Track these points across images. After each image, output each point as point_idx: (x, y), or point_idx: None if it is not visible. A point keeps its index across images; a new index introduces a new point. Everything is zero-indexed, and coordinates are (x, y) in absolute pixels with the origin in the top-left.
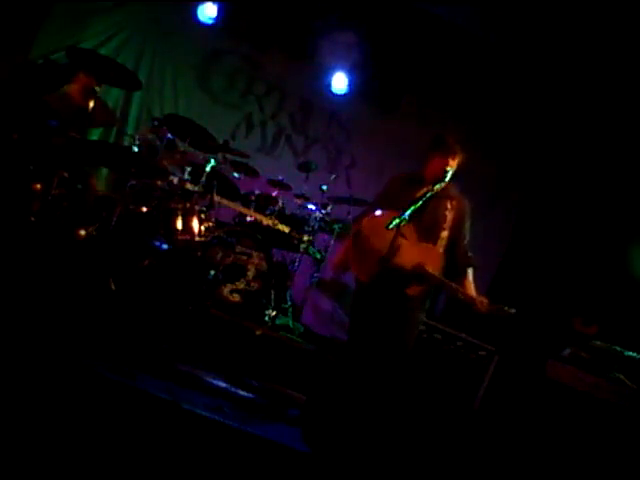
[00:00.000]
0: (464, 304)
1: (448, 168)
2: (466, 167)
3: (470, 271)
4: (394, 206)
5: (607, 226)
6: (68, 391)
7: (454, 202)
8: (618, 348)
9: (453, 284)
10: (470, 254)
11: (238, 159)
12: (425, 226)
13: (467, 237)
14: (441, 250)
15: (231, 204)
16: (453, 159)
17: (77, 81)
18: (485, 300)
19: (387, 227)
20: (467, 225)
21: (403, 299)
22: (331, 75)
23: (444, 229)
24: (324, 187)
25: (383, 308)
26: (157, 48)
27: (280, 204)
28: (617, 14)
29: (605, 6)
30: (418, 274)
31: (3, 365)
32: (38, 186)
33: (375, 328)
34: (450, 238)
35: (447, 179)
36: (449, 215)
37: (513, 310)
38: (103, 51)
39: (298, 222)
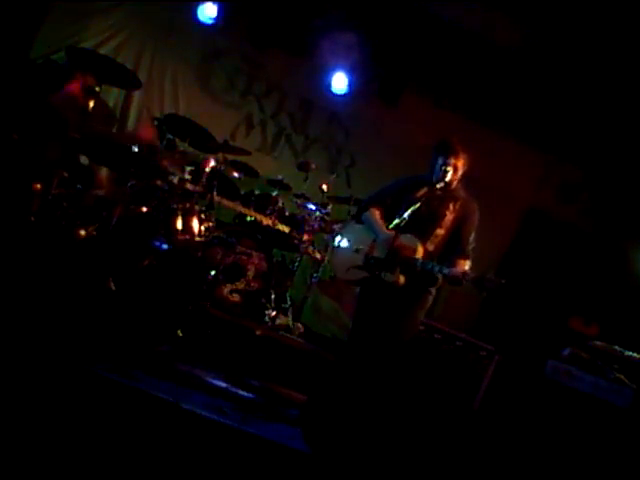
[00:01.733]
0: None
1: (448, 169)
2: (468, 166)
3: (462, 261)
4: (394, 206)
5: (607, 227)
6: (68, 391)
7: (457, 204)
8: (618, 348)
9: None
10: (469, 253)
11: (238, 160)
12: (420, 222)
13: (470, 240)
14: (431, 247)
15: (231, 204)
16: (456, 159)
17: (77, 81)
18: (466, 271)
19: (387, 227)
20: (470, 228)
21: (403, 297)
22: (331, 75)
23: (440, 227)
24: (324, 187)
25: (384, 306)
26: (157, 48)
27: (280, 204)
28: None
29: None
30: (395, 259)
31: (3, 365)
32: (38, 186)
33: (376, 326)
34: (446, 238)
35: (447, 179)
36: (449, 216)
37: (501, 280)
38: (103, 51)
39: (298, 222)
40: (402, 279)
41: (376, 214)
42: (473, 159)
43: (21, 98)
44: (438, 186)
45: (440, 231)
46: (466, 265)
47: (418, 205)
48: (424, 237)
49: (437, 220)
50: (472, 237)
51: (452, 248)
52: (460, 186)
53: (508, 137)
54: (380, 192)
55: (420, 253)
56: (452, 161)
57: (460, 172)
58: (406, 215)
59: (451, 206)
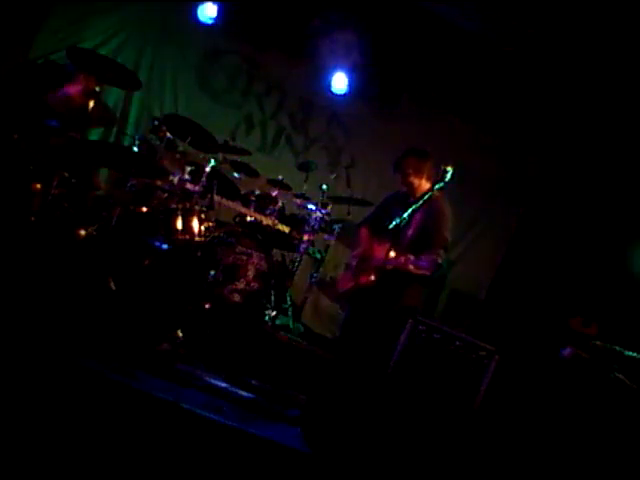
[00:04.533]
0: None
1: (449, 168)
2: (466, 167)
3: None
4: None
5: (607, 227)
6: (68, 391)
7: (426, 205)
8: (618, 348)
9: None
10: (435, 247)
11: (238, 159)
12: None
13: (437, 234)
14: (402, 246)
15: (231, 204)
16: (402, 168)
17: (77, 81)
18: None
19: (387, 227)
20: (435, 225)
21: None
22: (331, 75)
23: (409, 228)
24: (324, 187)
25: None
26: (157, 48)
27: (280, 204)
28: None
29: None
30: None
31: (3, 365)
32: (38, 186)
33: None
34: (415, 236)
35: (447, 179)
36: (417, 216)
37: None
38: (103, 51)
39: (298, 222)
40: (373, 277)
41: (362, 232)
42: (417, 158)
43: (21, 98)
44: (435, 187)
45: (409, 231)
46: (432, 256)
47: (420, 205)
48: (396, 239)
49: (410, 224)
50: (439, 231)
51: (423, 244)
52: (429, 187)
53: (508, 138)
54: (368, 214)
55: (392, 254)
56: (401, 172)
57: (413, 173)
58: (406, 215)
59: (425, 207)
